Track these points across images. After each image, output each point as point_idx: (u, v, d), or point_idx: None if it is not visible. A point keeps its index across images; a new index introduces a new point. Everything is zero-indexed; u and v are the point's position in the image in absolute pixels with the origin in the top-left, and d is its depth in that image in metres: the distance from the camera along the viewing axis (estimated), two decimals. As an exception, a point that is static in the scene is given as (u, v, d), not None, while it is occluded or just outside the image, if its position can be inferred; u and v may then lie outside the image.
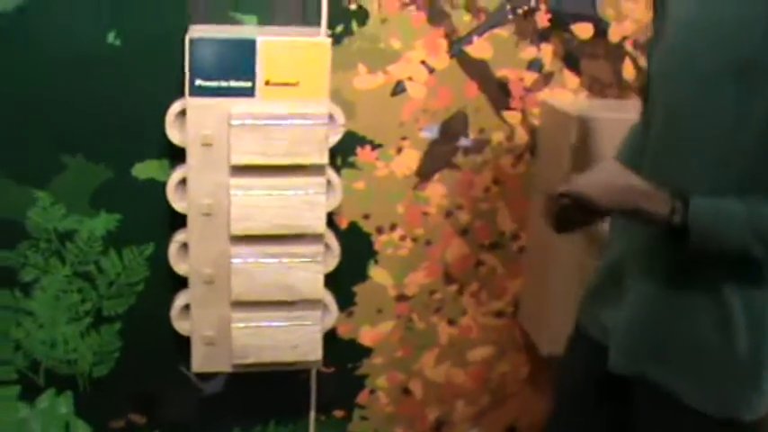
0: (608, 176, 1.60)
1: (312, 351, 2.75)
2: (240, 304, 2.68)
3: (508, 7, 2.82)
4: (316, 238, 2.66)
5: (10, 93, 2.60)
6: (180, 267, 2.69)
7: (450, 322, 3.09)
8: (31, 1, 2.53)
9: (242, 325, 2.69)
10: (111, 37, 2.60)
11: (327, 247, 2.72)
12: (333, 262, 2.77)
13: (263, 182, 2.57)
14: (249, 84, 2.52)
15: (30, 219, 2.70)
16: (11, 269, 2.75)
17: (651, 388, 1.71)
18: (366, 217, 2.92)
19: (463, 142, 2.91)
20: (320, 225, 2.63)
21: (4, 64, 2.58)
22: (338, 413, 3.12)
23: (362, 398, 3.12)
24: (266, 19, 2.69)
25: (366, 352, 3.07)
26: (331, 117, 2.61)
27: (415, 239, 2.97)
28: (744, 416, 1.63)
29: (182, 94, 2.53)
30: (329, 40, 2.57)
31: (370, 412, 3.14)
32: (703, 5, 1.57)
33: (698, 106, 1.56)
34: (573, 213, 1.63)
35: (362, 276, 2.98)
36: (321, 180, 2.60)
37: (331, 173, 2.68)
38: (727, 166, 1.54)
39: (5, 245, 2.72)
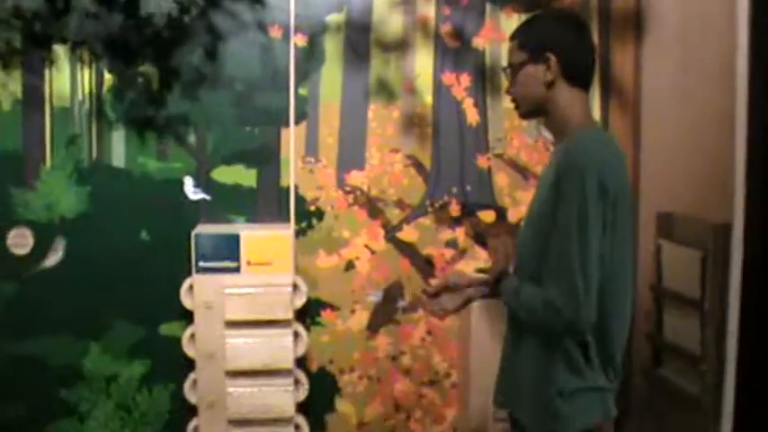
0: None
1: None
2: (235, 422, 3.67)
3: (427, 202, 3.92)
4: (288, 373, 3.66)
5: (74, 278, 3.76)
6: (191, 397, 3.70)
7: (402, 444, 4.02)
8: (92, 209, 3.75)
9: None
10: (143, 234, 3.78)
11: (298, 381, 3.71)
12: (303, 394, 3.74)
13: (248, 332, 3.61)
14: (236, 264, 3.61)
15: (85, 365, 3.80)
16: (71, 403, 3.80)
17: (514, 422, 2.42)
18: (331, 362, 3.93)
19: (401, 304, 3.94)
20: (289, 363, 3.63)
21: (74, 257, 3.75)
22: None
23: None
24: (252, 218, 3.83)
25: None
26: (296, 286, 3.67)
27: (369, 378, 3.95)
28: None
29: (190, 273, 3.63)
30: (291, 232, 3.68)
31: None
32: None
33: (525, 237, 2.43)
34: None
35: (330, 408, 3.95)
36: (288, 331, 3.63)
37: (299, 327, 3.70)
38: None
39: (67, 385, 3.79)
